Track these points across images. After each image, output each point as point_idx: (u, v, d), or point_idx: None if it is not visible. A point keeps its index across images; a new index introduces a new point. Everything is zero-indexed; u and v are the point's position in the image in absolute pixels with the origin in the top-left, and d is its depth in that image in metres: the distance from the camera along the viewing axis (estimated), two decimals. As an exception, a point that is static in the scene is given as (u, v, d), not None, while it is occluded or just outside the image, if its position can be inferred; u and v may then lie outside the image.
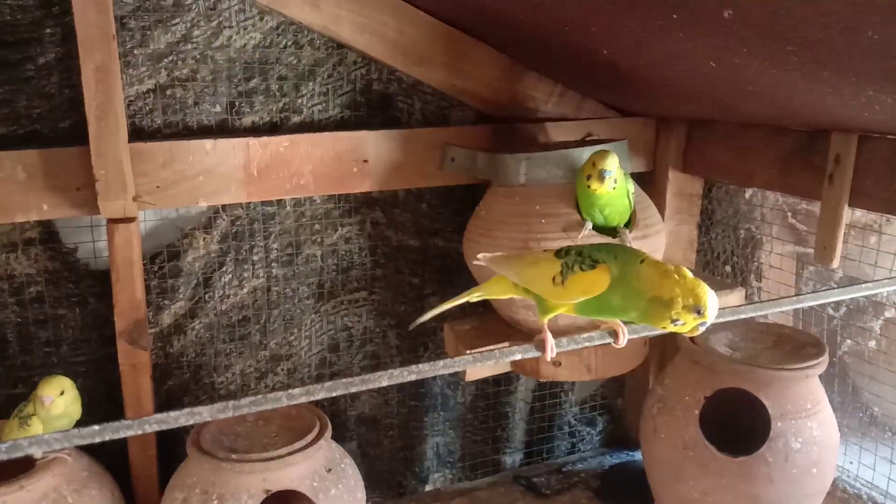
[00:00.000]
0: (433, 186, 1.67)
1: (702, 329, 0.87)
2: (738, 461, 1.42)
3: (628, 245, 1.39)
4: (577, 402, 2.00)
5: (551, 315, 1.01)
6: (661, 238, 1.52)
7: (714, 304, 0.88)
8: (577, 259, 0.96)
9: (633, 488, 1.76)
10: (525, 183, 1.44)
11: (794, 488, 1.42)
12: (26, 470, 1.28)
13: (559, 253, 0.98)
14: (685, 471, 1.48)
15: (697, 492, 1.47)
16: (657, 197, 1.74)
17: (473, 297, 1.09)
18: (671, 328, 0.88)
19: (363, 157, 1.55)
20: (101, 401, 1.53)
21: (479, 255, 1.08)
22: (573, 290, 0.97)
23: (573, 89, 1.70)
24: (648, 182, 1.77)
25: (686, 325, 0.88)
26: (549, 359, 1.00)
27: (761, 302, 1.10)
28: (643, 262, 0.92)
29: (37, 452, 1.29)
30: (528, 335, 1.49)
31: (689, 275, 0.89)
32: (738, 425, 1.50)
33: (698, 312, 0.88)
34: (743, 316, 0.99)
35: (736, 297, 1.72)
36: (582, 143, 1.60)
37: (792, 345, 1.57)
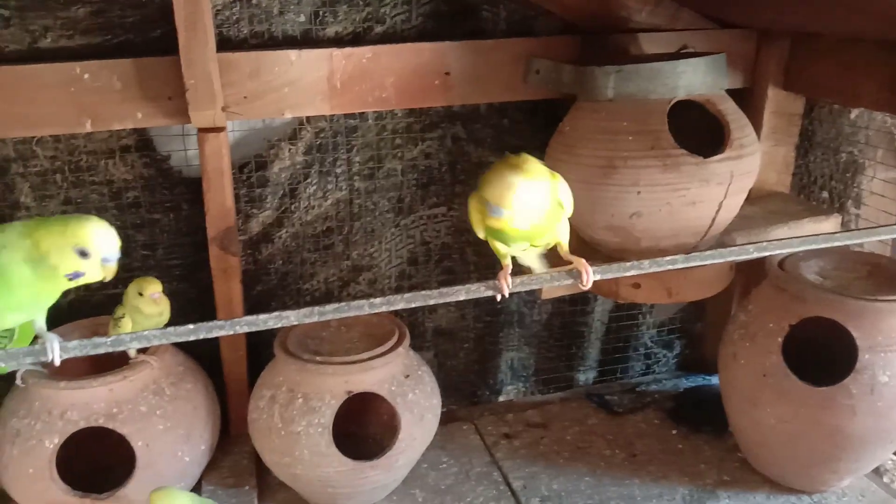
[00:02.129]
0: (516, 101, 1.63)
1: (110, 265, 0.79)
2: (819, 391, 1.39)
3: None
4: (655, 324, 1.98)
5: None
6: (755, 159, 1.45)
7: (106, 237, 0.79)
8: None
9: (707, 412, 1.75)
10: (613, 98, 1.39)
11: (878, 421, 1.38)
12: (119, 366, 1.38)
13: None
14: (763, 398, 1.46)
15: (775, 419, 1.45)
16: (754, 116, 1.64)
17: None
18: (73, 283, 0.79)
19: (445, 70, 1.53)
20: (194, 303, 1.62)
21: None
22: None
23: (669, -3, 1.60)
24: (745, 99, 1.67)
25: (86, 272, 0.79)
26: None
27: (855, 230, 1.04)
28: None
29: (133, 350, 1.39)
30: (609, 256, 1.47)
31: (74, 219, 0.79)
32: (821, 356, 1.46)
33: (83, 254, 0.78)
34: (835, 244, 0.95)
35: (831, 223, 1.64)
36: (676, 55, 1.51)
37: (886, 275, 1.50)
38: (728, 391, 1.58)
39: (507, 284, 0.97)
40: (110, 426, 1.33)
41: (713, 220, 1.42)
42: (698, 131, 1.40)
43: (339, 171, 1.64)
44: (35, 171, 1.47)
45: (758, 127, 1.67)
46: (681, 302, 1.91)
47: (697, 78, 1.39)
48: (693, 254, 0.96)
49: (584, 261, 0.97)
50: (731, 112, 1.42)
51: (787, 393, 1.42)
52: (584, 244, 1.54)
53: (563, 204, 0.98)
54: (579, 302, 1.88)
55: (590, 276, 0.96)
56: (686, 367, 2.04)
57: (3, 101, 1.35)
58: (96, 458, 1.44)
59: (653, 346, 2.00)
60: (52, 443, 1.31)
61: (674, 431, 1.77)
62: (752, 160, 1.43)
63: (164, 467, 1.38)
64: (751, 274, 1.78)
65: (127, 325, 1.35)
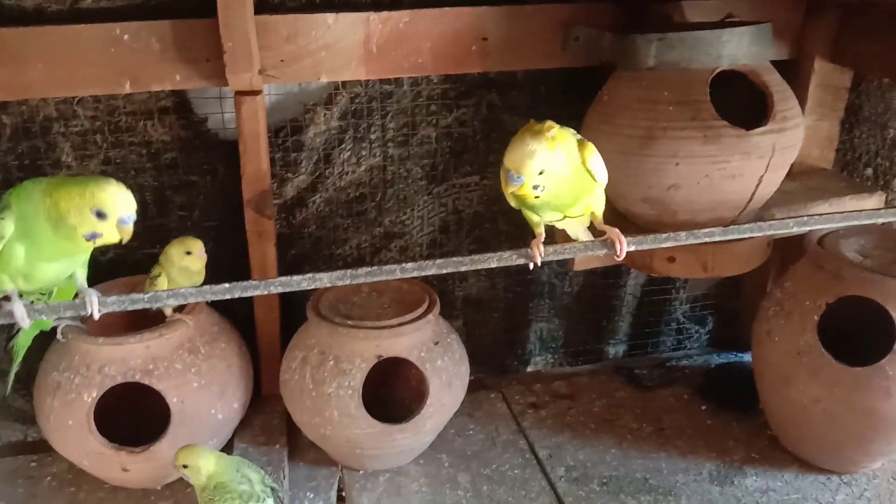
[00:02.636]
0: (554, 68, 1.61)
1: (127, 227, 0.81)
2: (854, 371, 1.37)
3: None
4: (689, 299, 1.96)
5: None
6: (798, 133, 1.41)
7: (123, 200, 0.80)
8: None
9: (738, 389, 1.74)
10: (654, 66, 1.36)
11: (915, 404, 1.36)
12: (156, 325, 1.41)
13: None
14: (797, 377, 1.44)
15: (808, 398, 1.43)
16: (799, 88, 1.59)
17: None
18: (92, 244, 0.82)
19: (483, 35, 1.51)
20: (229, 266, 1.64)
21: None
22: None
23: (715, -36, 1.56)
24: (790, 71, 1.62)
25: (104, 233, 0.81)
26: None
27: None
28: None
29: (169, 308, 1.42)
30: (645, 229, 1.45)
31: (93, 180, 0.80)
32: (858, 336, 1.43)
33: (100, 216, 0.79)
34: (878, 221, 0.92)
35: (874, 201, 1.60)
36: (721, 24, 1.47)
37: (933, 256, 1.46)
38: (761, 369, 1.57)
39: (540, 253, 0.97)
40: (146, 382, 1.37)
41: (753, 194, 1.39)
42: (740, 103, 1.36)
43: (373, 137, 1.64)
44: (76, 130, 1.50)
45: (802, 100, 1.63)
46: (716, 277, 1.88)
47: (742, 48, 1.35)
48: (731, 227, 0.95)
49: (618, 231, 0.95)
50: (776, 84, 1.38)
51: (822, 372, 1.40)
52: (619, 216, 1.52)
53: (595, 174, 0.96)
54: (611, 275, 1.86)
55: (623, 246, 0.95)
56: (718, 344, 2.02)
57: (45, 62, 1.36)
58: (133, 413, 1.48)
59: (685, 321, 1.98)
60: (91, 396, 1.35)
61: (703, 407, 1.76)
62: (794, 134, 1.40)
63: (198, 424, 1.41)
64: (788, 250, 1.74)
65: (163, 283, 1.37)
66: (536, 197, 0.92)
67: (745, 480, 1.52)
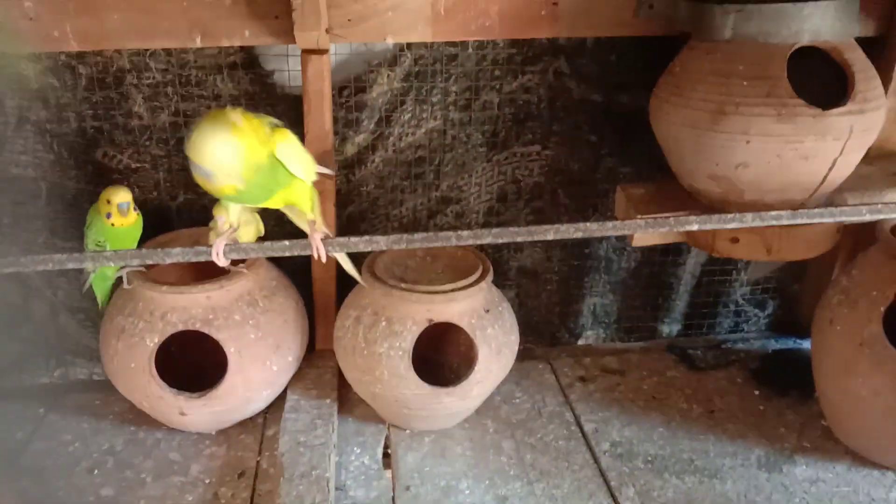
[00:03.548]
0: (625, 36, 1.56)
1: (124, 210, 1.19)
2: (922, 366, 1.32)
3: None
4: (749, 281, 1.91)
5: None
6: (879, 115, 1.35)
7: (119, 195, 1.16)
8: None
9: (795, 376, 1.70)
10: (731, 38, 1.31)
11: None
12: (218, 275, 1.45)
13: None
14: (858, 367, 1.40)
15: (867, 390, 1.39)
16: (884, 68, 1.51)
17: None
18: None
19: (553, 0, 1.47)
20: (288, 222, 1.67)
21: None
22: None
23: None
24: (876, 49, 1.54)
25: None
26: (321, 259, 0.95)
27: None
28: None
29: (224, 261, 1.46)
30: (709, 207, 1.41)
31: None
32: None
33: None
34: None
35: (958, 190, 1.52)
36: (804, -3, 1.41)
37: None
38: (820, 357, 1.52)
39: (218, 252, 0.94)
40: (206, 331, 1.41)
41: (825, 177, 1.34)
42: (820, 79, 1.30)
43: (434, 99, 1.63)
44: (148, 83, 1.53)
45: (886, 81, 1.54)
46: (780, 261, 1.83)
47: (825, 22, 1.29)
48: (800, 210, 0.92)
49: (318, 236, 0.94)
50: (859, 62, 1.32)
51: (884, 364, 1.35)
52: (684, 192, 1.49)
53: (287, 166, 0.91)
54: (671, 252, 1.83)
55: (322, 254, 0.93)
56: (777, 329, 1.97)
57: (121, 13, 1.40)
58: (192, 359, 1.54)
59: (744, 303, 1.94)
60: (153, 341, 1.40)
61: (756, 392, 1.72)
62: (875, 116, 1.33)
63: (254, 374, 1.46)
64: (859, 237, 1.68)
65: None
66: (240, 191, 0.89)
67: (795, 469, 1.49)
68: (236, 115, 0.86)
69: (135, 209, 1.41)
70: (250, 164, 0.87)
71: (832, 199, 1.42)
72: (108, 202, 1.37)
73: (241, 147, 0.85)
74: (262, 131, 0.89)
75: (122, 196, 1.37)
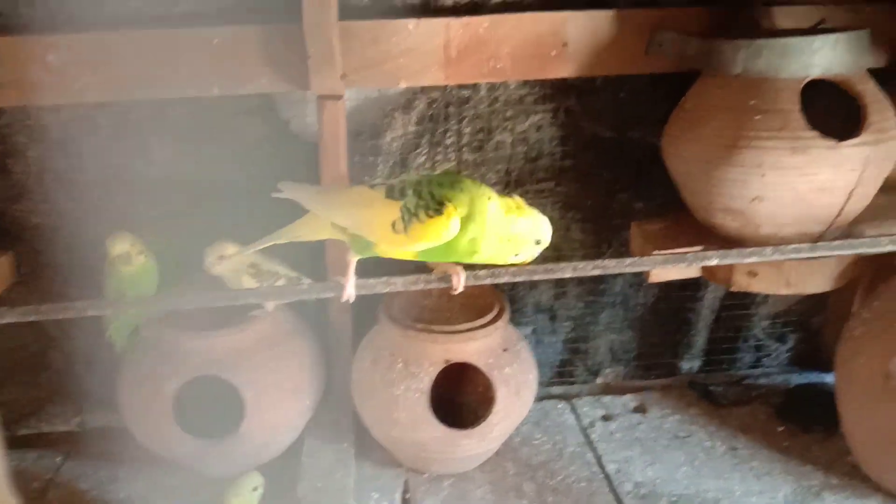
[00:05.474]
0: (635, 74, 1.58)
1: (537, 254, 0.91)
2: (951, 399, 1.29)
3: None
4: (769, 315, 1.89)
5: (368, 256, 0.93)
6: (894, 145, 1.34)
7: (549, 231, 0.91)
8: (418, 202, 0.84)
9: (819, 411, 1.66)
10: (741, 73, 1.32)
11: None
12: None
13: (392, 192, 0.87)
14: (883, 401, 1.37)
15: (894, 423, 1.36)
16: (897, 98, 1.52)
17: (281, 240, 0.97)
18: (511, 261, 0.89)
19: (563, 41, 1.49)
20: (307, 263, 1.68)
21: (281, 185, 0.94)
22: (417, 239, 0.86)
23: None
24: (888, 80, 1.55)
25: (526, 257, 0.90)
26: (343, 300, 0.94)
27: None
28: (490, 199, 0.87)
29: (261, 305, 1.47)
30: (725, 241, 1.41)
31: (527, 207, 0.90)
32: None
33: (537, 243, 0.90)
34: None
35: (977, 220, 1.50)
36: (813, 30, 1.42)
37: None
38: (844, 391, 1.49)
39: (350, 289, 0.97)
40: (223, 376, 1.41)
41: (842, 209, 1.33)
42: (834, 109, 1.31)
43: (448, 141, 1.64)
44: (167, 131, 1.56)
45: (900, 111, 1.55)
46: (799, 294, 1.81)
47: (836, 56, 1.30)
48: (820, 243, 0.91)
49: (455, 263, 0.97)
50: (871, 93, 1.32)
51: (913, 398, 1.33)
52: (700, 227, 1.48)
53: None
54: (689, 287, 1.81)
55: (461, 278, 0.96)
56: (799, 363, 1.94)
57: (140, 64, 1.42)
58: (210, 403, 1.53)
59: (764, 338, 1.91)
60: (171, 388, 1.40)
61: (780, 428, 1.69)
62: (890, 146, 1.33)
63: (270, 418, 1.45)
64: (879, 268, 1.66)
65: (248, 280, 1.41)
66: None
67: (825, 507, 1.45)
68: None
69: (140, 254, 1.39)
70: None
71: (850, 231, 1.41)
72: (110, 252, 1.37)
73: None
74: None
75: (118, 247, 1.36)
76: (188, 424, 1.43)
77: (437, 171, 1.64)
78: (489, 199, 0.87)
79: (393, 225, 0.85)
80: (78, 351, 1.67)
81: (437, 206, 0.84)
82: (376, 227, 0.87)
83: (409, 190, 0.85)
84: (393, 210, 0.84)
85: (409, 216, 0.84)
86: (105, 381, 1.69)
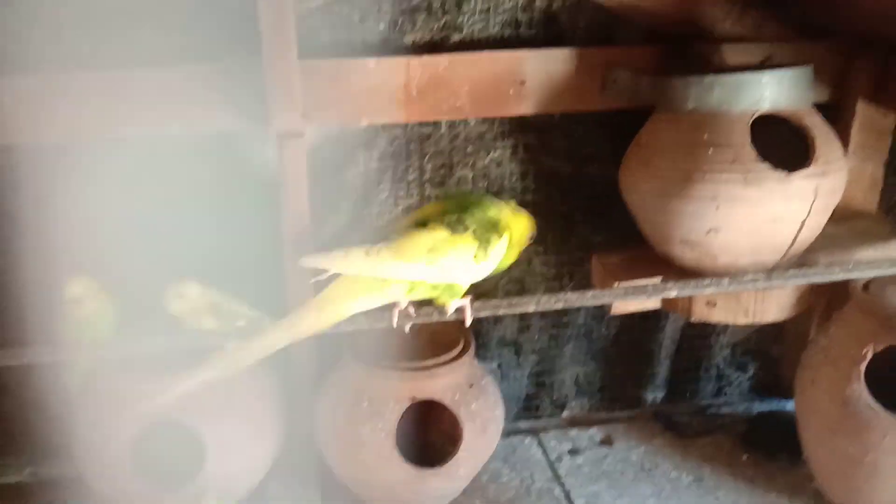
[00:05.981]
0: (592, 111, 1.61)
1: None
2: (907, 423, 1.32)
3: None
4: (729, 344, 1.92)
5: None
6: (841, 176, 1.39)
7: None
8: (476, 228, 0.95)
9: (782, 438, 1.68)
10: (693, 109, 1.36)
11: (971, 458, 1.30)
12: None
13: (456, 228, 0.96)
14: (843, 427, 1.39)
15: (854, 448, 1.38)
16: (841, 130, 1.57)
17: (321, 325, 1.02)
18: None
19: (521, 79, 1.52)
20: (267, 304, 1.65)
21: (304, 261, 0.95)
22: (499, 260, 0.99)
23: (755, 6, 1.56)
24: (832, 113, 1.61)
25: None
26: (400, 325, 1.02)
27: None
28: (506, 207, 1.03)
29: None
30: (684, 272, 1.43)
31: (518, 207, 1.03)
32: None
33: (531, 238, 1.03)
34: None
35: (923, 246, 1.56)
36: (760, 66, 1.47)
37: None
38: (805, 418, 1.52)
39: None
40: (181, 419, 1.37)
41: (795, 238, 1.36)
42: (782, 143, 1.35)
43: (411, 177, 1.65)
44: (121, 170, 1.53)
45: (845, 142, 1.60)
46: (758, 323, 1.84)
47: (782, 90, 1.35)
48: (775, 272, 0.93)
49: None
50: (818, 126, 1.37)
51: (870, 423, 1.35)
52: (658, 259, 1.50)
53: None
54: (650, 319, 1.83)
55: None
56: (760, 391, 1.96)
57: (98, 105, 1.41)
58: (168, 448, 1.48)
59: (726, 367, 1.94)
60: (127, 434, 1.36)
61: (745, 457, 1.71)
62: (837, 177, 1.38)
63: (232, 462, 1.41)
64: (832, 296, 1.70)
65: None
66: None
67: (791, 535, 1.46)
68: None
69: (95, 297, 1.35)
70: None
71: (804, 259, 1.45)
72: (64, 295, 1.34)
73: None
74: None
75: (69, 291, 1.33)
76: (147, 472, 1.38)
77: (446, 195, 1.67)
78: (506, 206, 1.01)
79: (475, 256, 0.92)
80: (30, 398, 1.61)
81: (491, 225, 0.96)
82: (463, 264, 0.93)
83: (467, 219, 0.94)
84: (466, 242, 0.92)
85: (484, 243, 0.92)
86: (59, 429, 1.64)
